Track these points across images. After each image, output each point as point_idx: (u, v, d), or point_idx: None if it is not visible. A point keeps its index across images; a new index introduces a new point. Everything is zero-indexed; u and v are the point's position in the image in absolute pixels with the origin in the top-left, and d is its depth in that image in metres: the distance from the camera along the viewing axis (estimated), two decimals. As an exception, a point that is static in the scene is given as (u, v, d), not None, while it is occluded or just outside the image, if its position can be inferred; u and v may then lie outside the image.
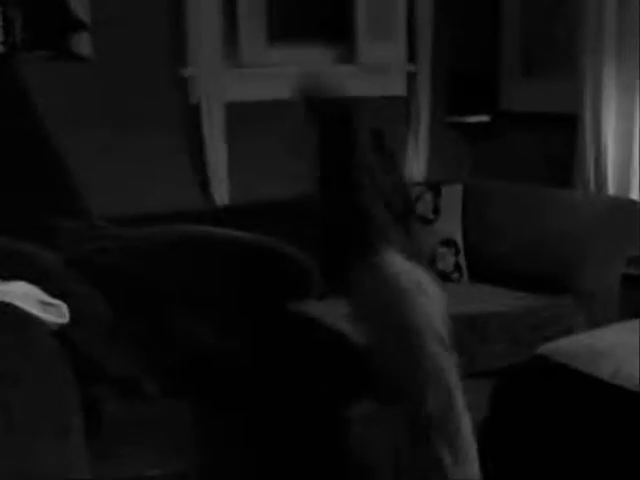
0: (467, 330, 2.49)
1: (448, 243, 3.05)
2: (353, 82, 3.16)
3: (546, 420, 2.24)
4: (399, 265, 1.85)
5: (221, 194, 2.87)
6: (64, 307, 1.74)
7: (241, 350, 1.98)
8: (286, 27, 3.13)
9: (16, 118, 2.41)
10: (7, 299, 1.61)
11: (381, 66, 3.26)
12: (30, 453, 1.55)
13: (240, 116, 2.84)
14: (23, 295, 1.65)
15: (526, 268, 2.82)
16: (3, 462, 1.50)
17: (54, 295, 1.71)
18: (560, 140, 3.16)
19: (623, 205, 2.92)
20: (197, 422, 1.94)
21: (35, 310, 1.66)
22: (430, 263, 3.03)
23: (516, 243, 2.95)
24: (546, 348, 2.33)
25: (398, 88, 3.36)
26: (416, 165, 3.35)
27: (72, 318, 1.73)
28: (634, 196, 2.99)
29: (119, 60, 2.63)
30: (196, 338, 2.08)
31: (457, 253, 3.03)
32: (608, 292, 2.84)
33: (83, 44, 2.59)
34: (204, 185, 2.87)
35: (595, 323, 2.60)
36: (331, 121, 1.90)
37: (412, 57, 3.34)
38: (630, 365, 2.15)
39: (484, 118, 3.44)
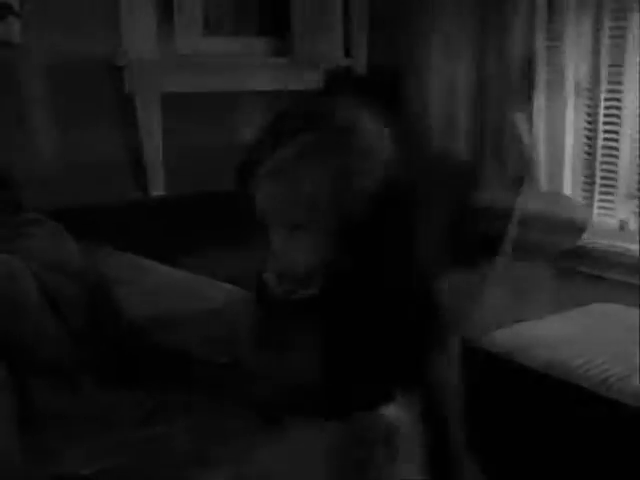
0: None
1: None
2: (289, 75, 3.17)
3: (480, 410, 2.27)
4: None
5: (156, 185, 2.83)
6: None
7: None
8: (222, 18, 3.09)
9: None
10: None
11: (317, 59, 3.25)
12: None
13: (176, 107, 2.80)
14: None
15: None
16: None
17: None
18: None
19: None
20: (134, 419, 1.91)
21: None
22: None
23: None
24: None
25: (334, 82, 3.35)
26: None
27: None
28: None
29: (50, 47, 2.56)
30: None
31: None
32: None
33: (12, 30, 2.51)
34: (139, 176, 2.82)
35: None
36: None
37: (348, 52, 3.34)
38: (562, 355, 2.21)
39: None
